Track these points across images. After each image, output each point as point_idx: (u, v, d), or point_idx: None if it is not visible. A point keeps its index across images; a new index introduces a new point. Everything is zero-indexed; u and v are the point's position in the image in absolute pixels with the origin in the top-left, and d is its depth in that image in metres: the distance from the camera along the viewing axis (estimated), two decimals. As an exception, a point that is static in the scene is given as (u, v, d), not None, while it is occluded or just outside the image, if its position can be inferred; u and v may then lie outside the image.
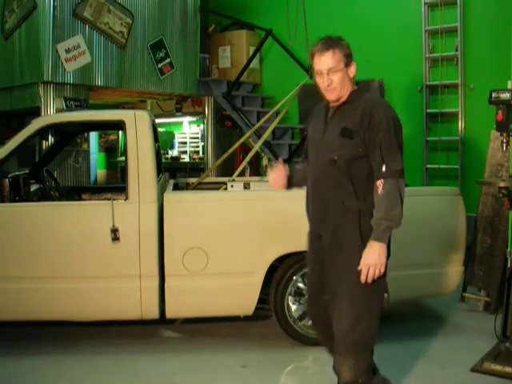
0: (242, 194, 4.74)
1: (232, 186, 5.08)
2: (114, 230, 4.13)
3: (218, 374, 4.01)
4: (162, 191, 4.47)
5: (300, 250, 4.34)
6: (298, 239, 4.31)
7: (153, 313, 4.27)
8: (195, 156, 12.35)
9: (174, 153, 13.00)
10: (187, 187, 5.69)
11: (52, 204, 4.51)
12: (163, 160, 6.12)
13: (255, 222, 4.29)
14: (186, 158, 12.50)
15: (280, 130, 8.70)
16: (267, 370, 4.06)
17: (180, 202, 4.31)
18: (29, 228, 4.19)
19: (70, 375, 4.00)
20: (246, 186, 5.12)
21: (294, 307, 4.42)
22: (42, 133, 5.27)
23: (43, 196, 4.96)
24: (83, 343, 4.54)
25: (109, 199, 4.35)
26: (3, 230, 4.19)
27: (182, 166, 11.50)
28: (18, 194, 4.66)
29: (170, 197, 4.33)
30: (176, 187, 5.50)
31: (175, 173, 10.46)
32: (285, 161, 8.00)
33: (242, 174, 6.83)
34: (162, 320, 4.37)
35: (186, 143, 12.94)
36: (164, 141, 11.73)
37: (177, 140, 13.10)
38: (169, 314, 4.31)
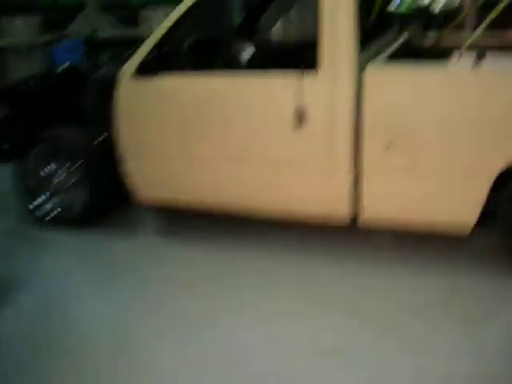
0: (469, 72, 3.40)
1: (461, 57, 3.72)
2: (300, 111, 3.29)
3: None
4: (368, 60, 3.42)
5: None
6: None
7: (343, 215, 3.47)
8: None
9: None
10: (421, 50, 4.43)
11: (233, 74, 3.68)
12: (386, 12, 4.68)
13: (488, 110, 3.11)
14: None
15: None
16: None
17: (386, 77, 3.25)
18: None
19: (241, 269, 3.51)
20: (480, 57, 3.60)
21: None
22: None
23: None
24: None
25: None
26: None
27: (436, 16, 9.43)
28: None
29: (374, 70, 3.28)
30: (406, 49, 4.15)
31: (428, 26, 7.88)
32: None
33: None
34: (351, 227, 3.58)
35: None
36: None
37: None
38: (363, 219, 3.46)
